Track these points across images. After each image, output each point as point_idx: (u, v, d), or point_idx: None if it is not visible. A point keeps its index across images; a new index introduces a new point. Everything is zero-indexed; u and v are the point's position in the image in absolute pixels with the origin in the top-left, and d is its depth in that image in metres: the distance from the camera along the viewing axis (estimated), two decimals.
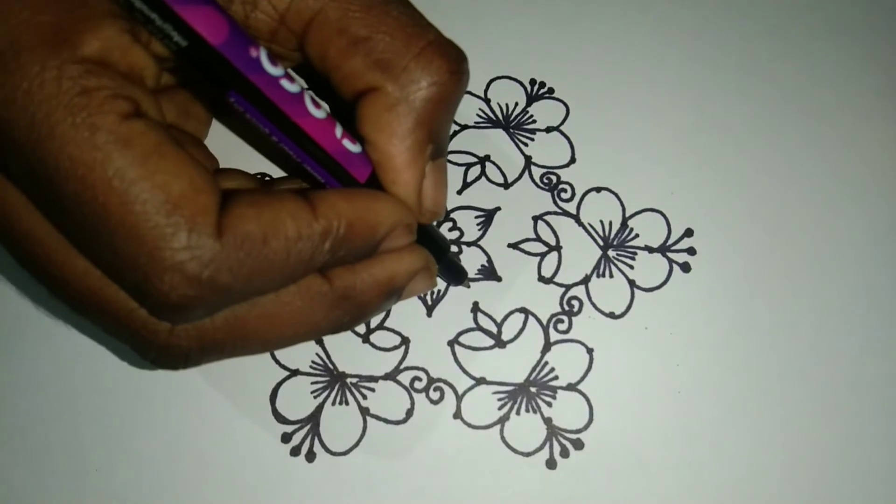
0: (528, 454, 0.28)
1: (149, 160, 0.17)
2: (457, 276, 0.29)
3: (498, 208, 0.32)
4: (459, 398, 0.29)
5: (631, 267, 0.31)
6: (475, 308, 0.30)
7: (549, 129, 0.33)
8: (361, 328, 0.30)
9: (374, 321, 0.30)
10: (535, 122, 0.33)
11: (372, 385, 0.29)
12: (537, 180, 0.32)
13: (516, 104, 0.33)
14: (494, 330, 0.30)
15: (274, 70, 0.20)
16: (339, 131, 0.22)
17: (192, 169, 0.18)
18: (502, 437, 0.28)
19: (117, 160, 0.17)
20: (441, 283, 0.30)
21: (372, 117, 0.22)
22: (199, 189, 0.18)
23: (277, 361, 0.29)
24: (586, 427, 0.28)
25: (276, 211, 0.19)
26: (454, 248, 0.30)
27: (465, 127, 0.33)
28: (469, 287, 0.30)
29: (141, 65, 0.19)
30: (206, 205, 0.18)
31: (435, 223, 0.25)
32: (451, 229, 0.31)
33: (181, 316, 0.19)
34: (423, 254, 0.24)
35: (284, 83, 0.20)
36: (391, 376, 0.29)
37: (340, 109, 0.23)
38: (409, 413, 0.29)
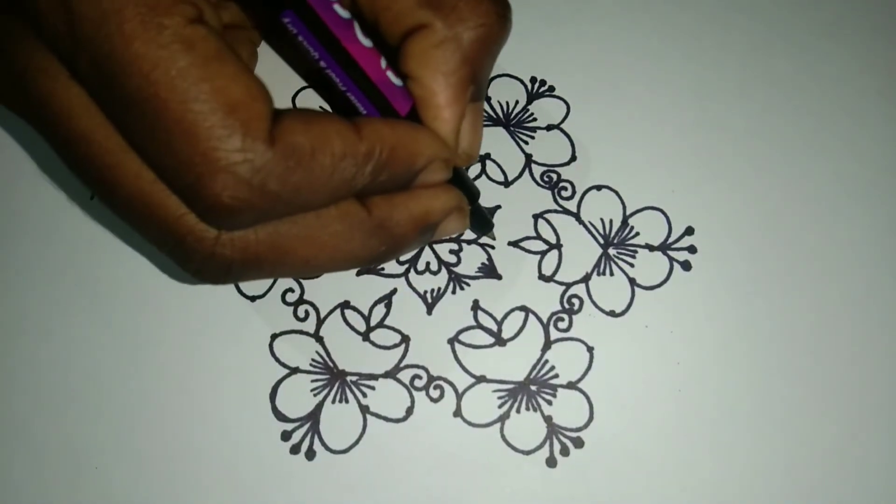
0: (528, 452, 0.28)
1: (210, 64, 0.18)
2: (484, 225, 0.29)
3: (498, 206, 0.32)
4: (459, 396, 0.29)
5: (631, 265, 0.31)
6: (475, 306, 0.30)
7: (549, 128, 0.33)
8: (361, 326, 0.30)
9: (375, 320, 0.30)
10: (535, 120, 0.33)
11: (372, 383, 0.29)
12: (538, 178, 0.32)
13: (517, 102, 0.33)
14: (495, 328, 0.30)
15: None
16: (383, 63, 0.22)
17: (249, 77, 0.19)
18: (502, 436, 0.28)
19: (181, 60, 0.18)
20: (441, 281, 0.30)
21: (419, 53, 0.22)
22: (255, 97, 0.19)
23: (277, 359, 0.29)
24: (586, 425, 0.28)
25: (325, 127, 0.20)
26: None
27: None
28: (495, 238, 0.31)
29: None
30: (261, 112, 0.19)
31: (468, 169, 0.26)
32: None
33: (230, 220, 0.20)
34: (457, 194, 0.24)
35: (337, 7, 0.21)
36: (391, 374, 0.29)
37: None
38: (409, 411, 0.29)
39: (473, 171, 0.32)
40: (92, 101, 0.19)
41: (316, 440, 0.28)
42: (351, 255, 0.22)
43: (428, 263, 0.31)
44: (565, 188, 0.32)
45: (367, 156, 0.21)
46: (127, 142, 0.20)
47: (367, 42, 0.22)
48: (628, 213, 0.32)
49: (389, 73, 0.22)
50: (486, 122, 0.33)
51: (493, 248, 0.31)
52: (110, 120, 0.19)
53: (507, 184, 0.32)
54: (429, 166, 0.23)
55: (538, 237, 0.31)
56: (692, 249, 0.31)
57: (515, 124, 0.33)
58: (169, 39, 0.18)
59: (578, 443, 0.28)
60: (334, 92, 0.22)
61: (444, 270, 0.31)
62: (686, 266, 0.31)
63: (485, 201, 0.32)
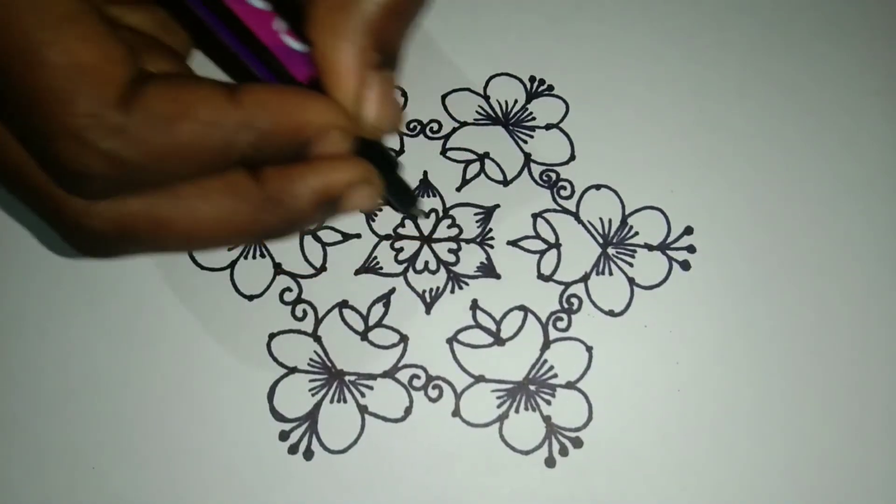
0: (527, 452, 0.28)
1: (61, 24, 0.17)
2: (405, 200, 0.27)
3: (497, 206, 0.32)
4: (458, 396, 0.29)
5: (630, 265, 0.31)
6: (474, 306, 0.30)
7: (548, 127, 0.33)
8: (360, 326, 0.30)
9: (373, 319, 0.30)
10: (534, 119, 0.33)
11: (370, 383, 0.29)
12: (537, 178, 0.32)
13: (516, 101, 0.33)
14: (493, 328, 0.30)
15: None
16: (279, 25, 0.21)
17: (107, 39, 0.18)
18: (501, 436, 0.28)
19: (29, 20, 0.17)
20: (440, 281, 0.30)
21: (317, 16, 0.21)
22: (110, 60, 0.18)
23: (275, 359, 0.29)
24: (585, 425, 0.28)
25: (191, 93, 0.19)
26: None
27: (464, 124, 0.33)
28: (420, 216, 0.29)
29: None
30: (115, 75, 0.18)
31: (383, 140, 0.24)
32: (450, 226, 0.31)
33: (84, 187, 0.19)
34: (362, 165, 0.23)
35: None
36: (389, 374, 0.29)
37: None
38: (408, 411, 0.29)
39: (472, 169, 0.32)
40: None
41: (314, 440, 0.28)
42: (239, 229, 0.21)
43: (426, 263, 0.31)
44: (564, 187, 0.32)
45: (243, 124, 0.19)
46: None
47: (257, 2, 0.20)
48: (627, 212, 0.31)
49: (287, 38, 0.21)
50: (485, 122, 0.33)
51: (491, 246, 0.31)
52: None
53: (505, 183, 0.32)
54: (326, 137, 0.21)
55: (537, 236, 0.31)
56: (691, 249, 0.31)
57: (514, 123, 0.33)
58: (19, 0, 0.17)
59: (577, 443, 0.28)
60: (230, 58, 0.22)
61: (442, 270, 0.31)
62: (685, 266, 0.31)
63: (484, 200, 0.32)
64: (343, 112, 0.22)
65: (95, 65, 0.18)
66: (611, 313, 0.30)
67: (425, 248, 0.31)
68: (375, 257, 0.31)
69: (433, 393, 0.29)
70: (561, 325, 0.30)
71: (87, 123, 0.18)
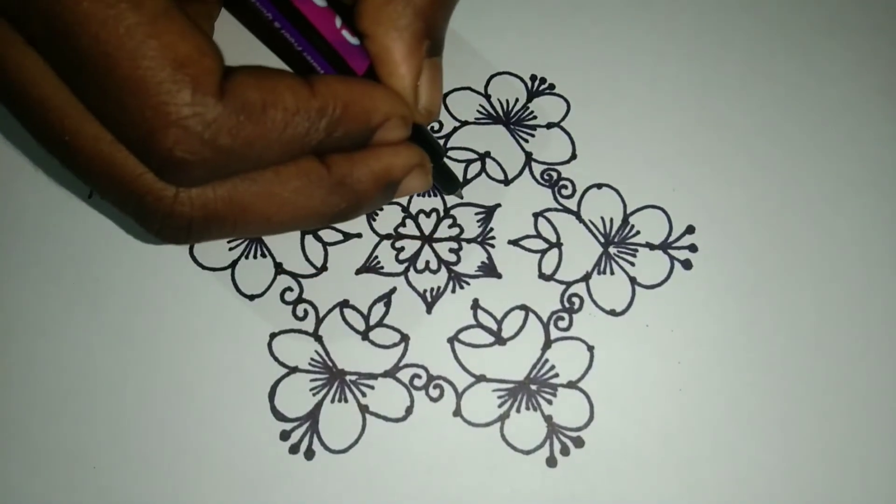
0: (528, 452, 0.28)
1: (158, 21, 0.18)
2: (450, 183, 0.30)
3: (498, 205, 0.32)
4: (459, 396, 0.29)
5: (632, 264, 0.31)
6: (475, 305, 0.30)
7: (549, 126, 0.33)
8: (361, 325, 0.30)
9: (374, 319, 0.30)
10: (535, 118, 0.33)
11: (371, 382, 0.29)
12: (538, 177, 0.32)
13: (517, 100, 0.33)
14: (494, 327, 0.30)
15: None
16: (338, 22, 0.22)
17: (198, 34, 0.19)
18: (502, 435, 0.28)
19: (129, 18, 0.18)
20: (441, 280, 0.30)
21: (371, 10, 0.23)
22: (204, 52, 0.19)
23: (276, 359, 0.29)
24: (587, 425, 0.28)
25: (277, 82, 0.20)
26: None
27: (465, 123, 0.33)
28: (462, 197, 0.31)
29: None
30: (211, 67, 0.19)
31: (430, 126, 0.26)
32: (451, 226, 0.31)
33: (183, 175, 0.20)
34: (418, 151, 0.25)
35: None
36: (390, 374, 0.29)
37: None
38: (409, 411, 0.29)
39: (473, 168, 0.32)
40: (48, 66, 0.20)
41: (315, 440, 0.28)
42: (312, 212, 0.23)
43: (427, 262, 0.31)
44: (565, 186, 0.32)
45: (321, 111, 0.21)
46: (83, 104, 0.20)
47: (320, 1, 0.22)
48: (629, 211, 0.31)
49: (345, 33, 0.23)
50: (486, 121, 0.33)
51: (492, 246, 0.31)
52: (66, 83, 0.20)
53: (507, 182, 0.32)
54: (386, 123, 0.23)
55: (538, 236, 0.31)
56: (693, 248, 0.31)
57: (515, 122, 0.33)
58: None
59: (579, 442, 0.28)
60: (291, 53, 0.23)
61: (443, 269, 0.31)
62: (687, 265, 0.31)
63: (485, 199, 0.32)
64: (401, 100, 0.23)
65: (193, 57, 0.19)
66: (612, 313, 0.30)
67: (426, 247, 0.31)
68: (376, 257, 0.31)
69: (434, 392, 0.29)
70: (562, 324, 0.30)
71: (190, 113, 0.19)
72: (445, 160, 0.29)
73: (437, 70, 0.24)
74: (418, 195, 0.32)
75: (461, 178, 0.32)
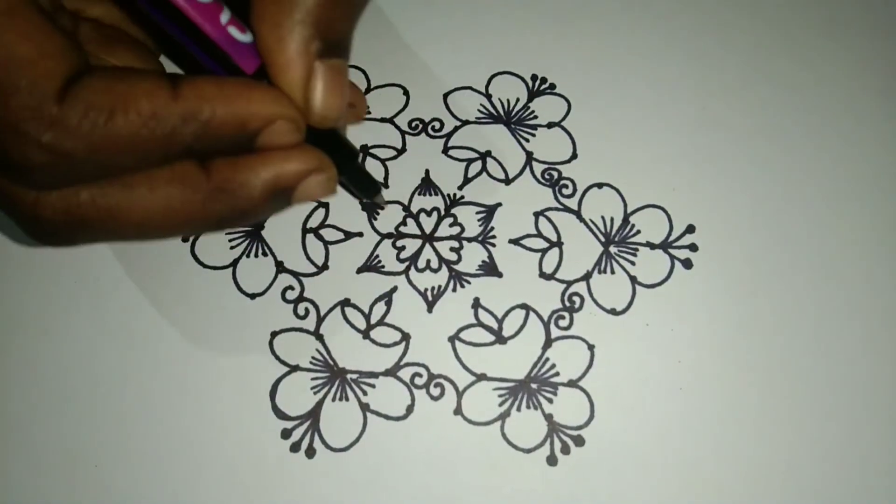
0: (528, 451, 0.28)
1: None
2: (366, 188, 0.27)
3: (499, 204, 0.32)
4: (460, 394, 0.29)
5: (632, 263, 0.31)
6: (476, 304, 0.30)
7: (550, 125, 0.33)
8: (362, 324, 0.30)
9: (375, 317, 0.30)
10: (536, 117, 0.33)
11: (372, 381, 0.29)
12: (538, 176, 0.32)
13: (517, 100, 0.33)
14: (495, 326, 0.30)
15: None
16: (224, 17, 0.21)
17: (46, 34, 0.19)
18: (503, 434, 0.28)
19: None
20: (442, 279, 0.30)
21: (258, 6, 0.21)
22: (46, 54, 0.18)
23: (277, 357, 0.29)
24: (587, 423, 0.28)
25: (131, 86, 0.19)
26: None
27: (465, 122, 0.33)
28: (382, 206, 0.30)
29: None
30: (51, 69, 0.18)
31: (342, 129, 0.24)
32: (451, 225, 0.31)
33: (28, 179, 0.20)
34: (314, 155, 0.23)
35: None
36: (391, 372, 0.29)
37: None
38: (410, 409, 0.29)
39: (474, 168, 0.32)
40: None
41: (316, 438, 0.28)
42: (190, 219, 0.21)
43: (428, 261, 0.31)
44: (566, 186, 0.32)
45: (185, 116, 0.20)
46: None
47: None
48: (629, 210, 0.31)
49: (232, 29, 0.21)
50: (486, 120, 0.33)
51: (493, 245, 0.31)
52: None
53: (507, 181, 0.32)
54: (272, 127, 0.21)
55: (539, 235, 0.31)
56: (693, 247, 0.31)
57: (516, 122, 0.33)
58: None
59: (579, 441, 0.28)
60: (178, 50, 0.22)
61: (444, 268, 0.31)
62: (687, 264, 0.31)
63: (486, 199, 0.32)
64: (288, 102, 0.22)
65: (32, 58, 0.18)
66: (612, 312, 0.30)
67: (427, 246, 0.31)
68: (377, 256, 0.31)
69: (435, 391, 0.29)
70: (563, 323, 0.30)
71: (25, 116, 0.18)
72: (367, 165, 0.27)
73: (335, 72, 0.22)
74: (418, 194, 0.32)
75: (463, 178, 0.32)
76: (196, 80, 0.20)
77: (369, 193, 0.27)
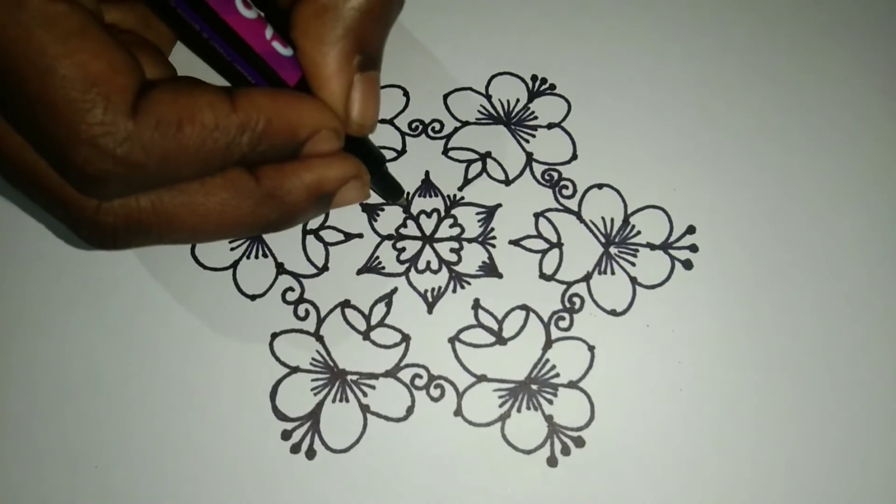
0: (529, 452, 0.28)
1: (70, 39, 0.19)
2: (393, 191, 0.29)
3: (499, 205, 0.32)
4: (460, 395, 0.29)
5: (633, 264, 0.31)
6: (476, 305, 0.30)
7: (550, 126, 0.33)
8: (362, 325, 0.30)
9: (375, 319, 0.30)
10: (536, 118, 0.33)
11: (372, 382, 0.29)
12: (539, 177, 0.32)
13: (517, 100, 0.33)
14: (495, 327, 0.30)
15: None
16: (269, 33, 0.22)
17: (113, 51, 0.19)
18: (503, 435, 0.28)
19: (40, 37, 0.18)
20: (442, 280, 0.30)
21: (301, 23, 0.23)
22: (117, 70, 0.19)
23: (277, 358, 0.29)
24: (587, 425, 0.28)
25: (195, 99, 0.20)
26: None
27: (466, 123, 0.33)
28: (406, 206, 0.31)
29: None
30: (123, 85, 0.19)
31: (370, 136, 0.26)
32: (451, 226, 0.31)
33: (99, 190, 0.20)
34: (353, 162, 0.24)
35: None
36: (392, 373, 0.29)
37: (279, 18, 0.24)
38: (410, 410, 0.29)
39: (474, 168, 0.32)
40: None
41: (316, 439, 0.28)
42: (240, 223, 0.23)
43: (428, 262, 0.31)
44: (566, 187, 0.32)
45: (242, 126, 0.21)
46: (4, 118, 0.20)
47: (249, 13, 0.22)
48: (629, 211, 0.31)
49: (276, 44, 0.23)
50: (486, 121, 0.33)
51: (493, 246, 0.31)
52: None
53: (507, 182, 0.32)
54: (316, 136, 0.23)
55: (539, 236, 0.31)
56: (694, 248, 0.31)
57: (516, 123, 0.33)
58: (28, 17, 0.18)
59: (579, 442, 0.28)
60: (224, 64, 0.23)
61: (444, 269, 0.31)
62: (687, 265, 0.31)
63: (486, 199, 0.32)
64: (332, 113, 0.23)
65: (105, 75, 0.19)
66: (613, 313, 0.30)
67: (427, 247, 0.31)
68: (377, 257, 0.31)
69: (435, 392, 0.29)
70: (563, 324, 0.30)
71: (101, 131, 0.19)
72: (390, 169, 0.29)
73: (371, 84, 0.24)
74: (419, 195, 0.32)
75: (463, 179, 0.32)
76: (250, 92, 0.22)
77: (396, 196, 0.30)
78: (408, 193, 0.31)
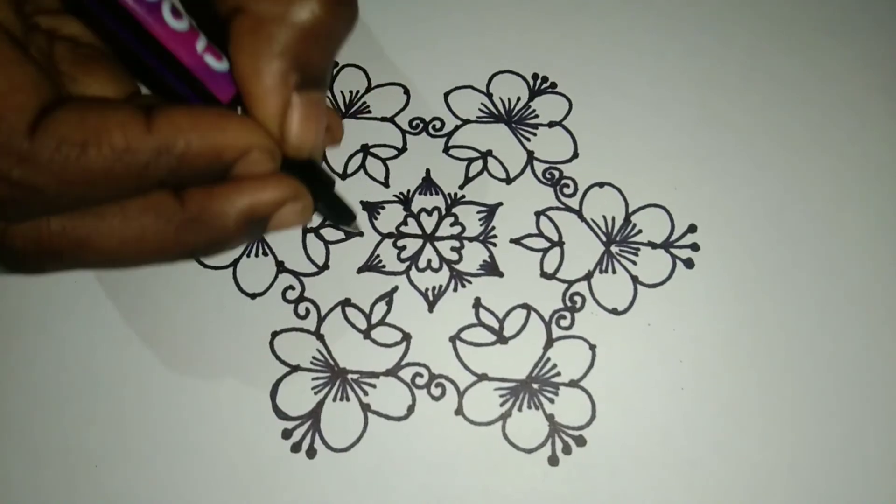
0: (530, 451, 0.28)
1: None
2: (342, 216, 0.27)
3: (500, 203, 0.31)
4: (461, 394, 0.29)
5: (634, 263, 0.31)
6: (477, 304, 0.30)
7: (551, 124, 0.33)
8: (362, 324, 0.30)
9: (376, 317, 0.30)
10: (537, 116, 0.33)
11: (373, 381, 0.29)
12: (540, 175, 0.32)
13: (518, 99, 0.33)
14: (496, 326, 0.30)
15: None
16: (200, 45, 0.21)
17: (17, 66, 0.18)
18: (504, 434, 0.28)
19: None
20: (443, 279, 0.30)
21: (236, 37, 0.21)
22: (17, 87, 0.18)
23: (278, 357, 0.29)
24: (588, 424, 0.28)
25: (104, 118, 0.19)
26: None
27: (466, 122, 0.33)
28: (360, 233, 0.30)
29: None
30: (22, 103, 0.18)
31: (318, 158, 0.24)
32: (452, 224, 0.31)
33: (0, 213, 0.19)
34: (290, 184, 0.23)
35: None
36: (392, 372, 0.29)
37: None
38: (411, 409, 0.29)
39: (475, 167, 0.32)
40: None
41: (317, 438, 0.28)
42: (162, 250, 0.21)
43: (429, 261, 0.31)
44: (567, 185, 0.32)
45: (158, 149, 0.19)
46: None
47: (178, 24, 0.21)
48: (630, 210, 0.31)
49: (209, 57, 0.21)
50: (487, 119, 0.33)
51: (494, 244, 0.31)
52: None
53: (508, 181, 0.32)
54: (247, 157, 0.21)
55: (540, 234, 0.31)
56: (695, 247, 0.31)
57: (517, 121, 0.33)
58: None
59: (580, 441, 0.28)
60: (153, 76, 0.22)
61: (445, 268, 0.31)
62: (689, 264, 0.31)
63: (487, 198, 0.31)
64: (263, 132, 0.22)
65: (2, 92, 0.18)
66: (614, 311, 0.30)
67: (428, 246, 0.31)
68: (378, 255, 0.31)
69: (436, 391, 0.29)
70: (564, 323, 0.30)
71: None
72: (338, 192, 0.26)
73: (311, 105, 0.22)
74: (420, 194, 0.32)
75: (464, 178, 0.32)
76: (170, 110, 0.20)
77: (345, 221, 0.27)
78: (357, 223, 0.28)
